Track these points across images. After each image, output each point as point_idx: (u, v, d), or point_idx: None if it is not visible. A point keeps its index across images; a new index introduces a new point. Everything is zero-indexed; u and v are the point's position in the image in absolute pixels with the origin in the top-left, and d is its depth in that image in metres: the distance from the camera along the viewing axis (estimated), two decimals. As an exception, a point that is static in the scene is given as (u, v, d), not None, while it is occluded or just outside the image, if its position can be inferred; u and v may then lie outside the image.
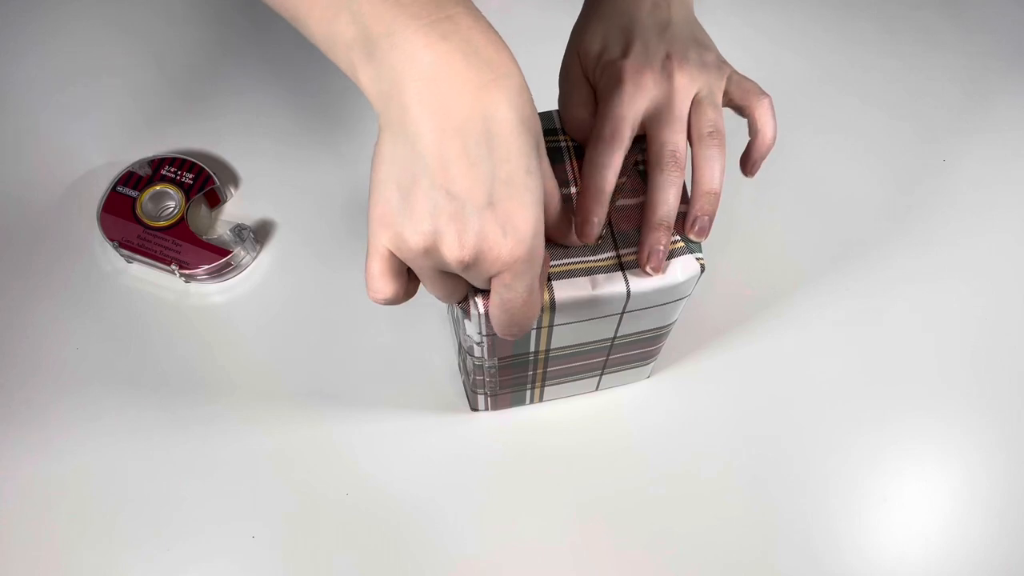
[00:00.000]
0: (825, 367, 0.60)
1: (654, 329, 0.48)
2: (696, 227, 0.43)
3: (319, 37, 0.36)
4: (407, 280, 0.39)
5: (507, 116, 0.34)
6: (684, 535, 0.54)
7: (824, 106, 0.69)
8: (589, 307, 0.43)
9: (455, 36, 0.33)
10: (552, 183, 0.40)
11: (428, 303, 0.60)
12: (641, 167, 0.45)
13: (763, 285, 0.62)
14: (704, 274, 0.44)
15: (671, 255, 0.43)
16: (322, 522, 0.54)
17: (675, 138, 0.43)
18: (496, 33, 0.35)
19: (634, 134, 0.44)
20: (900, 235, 0.64)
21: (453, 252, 0.35)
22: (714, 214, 0.43)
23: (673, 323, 0.49)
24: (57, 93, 0.70)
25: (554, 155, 0.45)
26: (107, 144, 0.67)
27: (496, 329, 0.39)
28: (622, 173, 0.44)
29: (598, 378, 0.55)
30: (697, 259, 0.43)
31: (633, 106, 0.43)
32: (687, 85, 0.44)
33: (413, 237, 0.35)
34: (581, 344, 0.48)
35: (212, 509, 0.55)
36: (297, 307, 0.61)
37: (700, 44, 0.46)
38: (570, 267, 0.43)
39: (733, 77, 0.46)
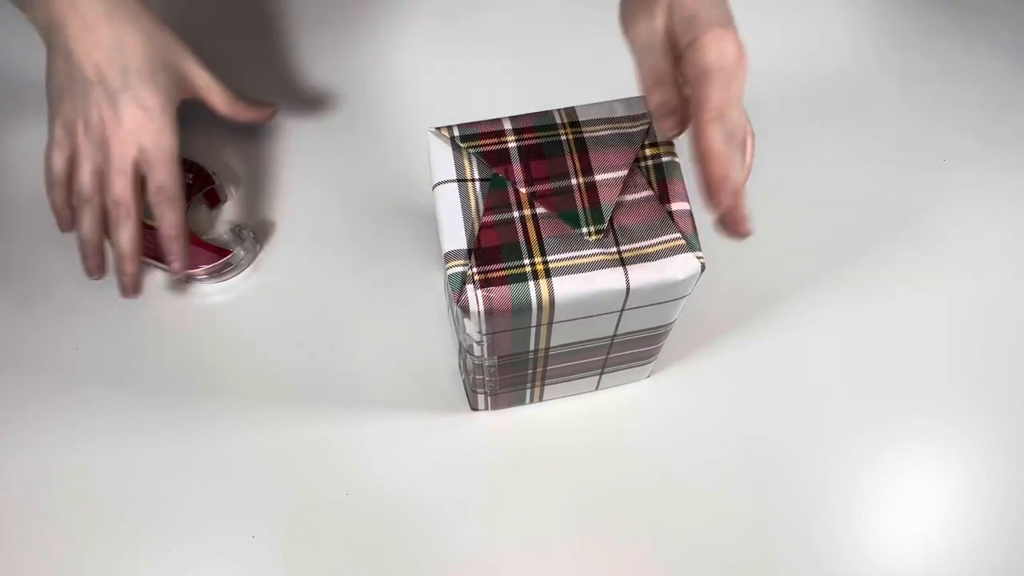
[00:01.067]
0: (825, 367, 0.60)
1: (654, 328, 0.48)
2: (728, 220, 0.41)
3: None
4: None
5: (132, 35, 0.54)
6: (684, 535, 0.54)
7: (824, 106, 0.69)
8: (588, 303, 0.43)
9: None
10: (206, 84, 0.60)
11: (428, 303, 0.60)
12: (643, 163, 0.45)
13: (764, 285, 0.62)
14: (704, 273, 0.44)
15: (669, 255, 0.43)
16: (322, 522, 0.54)
17: (743, 119, 0.40)
18: None
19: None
20: (900, 235, 0.64)
21: (110, 120, 0.53)
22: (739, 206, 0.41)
23: (673, 322, 0.49)
24: (57, 94, 0.70)
25: (555, 148, 0.45)
26: (107, 144, 0.67)
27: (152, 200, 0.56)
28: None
29: (598, 377, 0.55)
30: (697, 258, 0.43)
31: (733, 90, 0.40)
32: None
33: (84, 118, 0.53)
34: (581, 342, 0.48)
35: (212, 509, 0.55)
36: (297, 307, 0.61)
37: None
38: (570, 262, 0.43)
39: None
